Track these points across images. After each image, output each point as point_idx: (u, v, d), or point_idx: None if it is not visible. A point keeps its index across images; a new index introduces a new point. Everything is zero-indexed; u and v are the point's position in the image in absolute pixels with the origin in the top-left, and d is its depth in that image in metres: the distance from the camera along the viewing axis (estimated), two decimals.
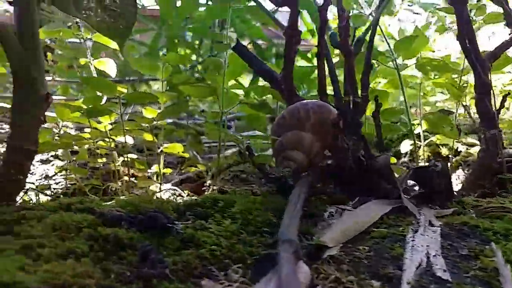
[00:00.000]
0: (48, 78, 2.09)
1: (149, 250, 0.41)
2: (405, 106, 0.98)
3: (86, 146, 0.94)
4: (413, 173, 0.68)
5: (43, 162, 1.19)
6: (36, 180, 1.05)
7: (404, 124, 1.09)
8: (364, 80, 0.74)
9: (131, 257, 0.42)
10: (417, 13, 1.98)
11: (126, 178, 1.07)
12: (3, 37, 0.46)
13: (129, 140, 1.07)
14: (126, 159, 1.03)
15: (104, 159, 1.01)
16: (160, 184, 0.92)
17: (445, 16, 1.35)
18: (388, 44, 0.96)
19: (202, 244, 0.47)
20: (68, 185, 1.01)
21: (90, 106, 0.83)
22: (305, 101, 0.68)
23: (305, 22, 2.14)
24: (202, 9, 1.69)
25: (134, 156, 1.05)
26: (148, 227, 0.46)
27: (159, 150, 0.87)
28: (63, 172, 1.03)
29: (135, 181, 1.10)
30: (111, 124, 1.00)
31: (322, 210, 0.60)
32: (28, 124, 0.56)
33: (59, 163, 1.17)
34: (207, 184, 0.96)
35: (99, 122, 0.91)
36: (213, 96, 0.96)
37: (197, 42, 1.77)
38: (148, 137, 0.93)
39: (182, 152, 0.94)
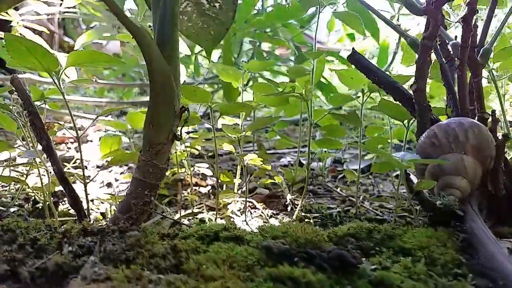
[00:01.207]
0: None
1: None
2: None
3: None
4: None
5: (99, 167, 1.13)
6: (99, 188, 1.00)
7: None
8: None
9: None
10: None
11: (196, 188, 1.02)
12: (147, 52, 0.41)
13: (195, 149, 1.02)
14: (194, 169, 0.98)
15: (176, 169, 0.95)
16: (243, 197, 0.87)
17: None
18: None
19: None
20: None
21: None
22: (456, 119, 0.61)
23: (345, 27, 2.09)
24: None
25: (205, 166, 1.00)
26: (333, 266, 0.40)
27: (245, 162, 0.82)
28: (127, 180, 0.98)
29: (201, 190, 1.05)
30: (187, 133, 0.94)
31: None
32: (163, 140, 0.51)
33: (118, 169, 1.12)
34: (288, 200, 0.91)
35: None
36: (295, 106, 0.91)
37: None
38: (231, 147, 0.88)
39: (262, 164, 0.89)
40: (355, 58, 0.68)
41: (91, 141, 1.42)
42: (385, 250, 0.49)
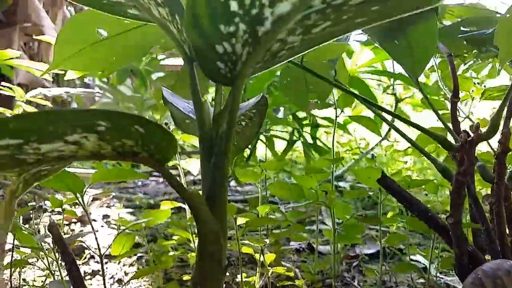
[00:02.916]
0: None
1: None
2: None
3: None
4: None
5: (106, 256, 1.10)
6: (110, 286, 0.96)
7: None
8: None
9: None
10: None
11: None
12: (198, 215, 0.40)
13: None
14: None
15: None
16: None
17: None
18: None
19: None
20: None
21: None
22: (501, 264, 0.60)
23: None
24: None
25: None
26: None
27: (269, 272, 0.80)
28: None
29: None
30: None
31: None
32: None
33: (127, 260, 1.09)
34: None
35: None
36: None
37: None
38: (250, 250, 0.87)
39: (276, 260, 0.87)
40: (386, 183, 0.69)
41: (95, 220, 1.39)
42: None
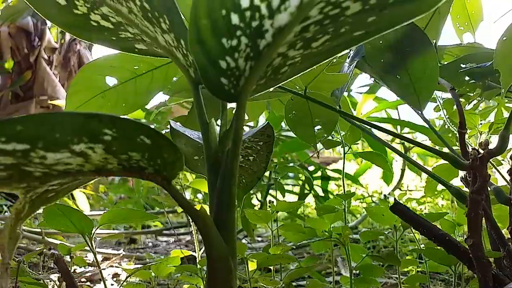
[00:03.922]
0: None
1: None
2: None
3: None
4: None
5: None
6: None
7: None
8: None
9: None
10: None
11: None
12: (206, 236, 0.39)
13: None
14: None
15: None
16: None
17: None
18: None
19: None
20: None
21: None
22: None
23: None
24: None
25: None
26: None
27: None
28: None
29: None
30: None
31: None
32: None
33: None
34: None
35: None
36: None
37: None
38: None
39: None
40: (399, 209, 0.67)
41: (106, 280, 1.35)
42: None
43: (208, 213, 0.39)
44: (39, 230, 1.41)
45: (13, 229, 0.34)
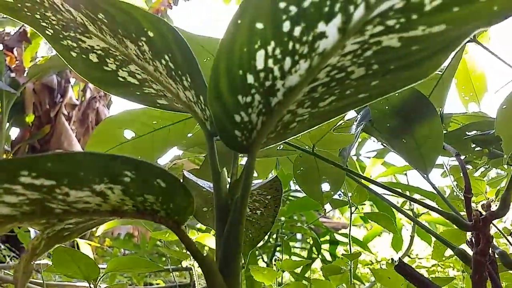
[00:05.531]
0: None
1: None
2: None
3: None
4: None
5: None
6: None
7: None
8: None
9: None
10: None
11: None
12: (211, 281, 0.40)
13: None
14: None
15: None
16: None
17: None
18: None
19: None
20: None
21: None
22: None
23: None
24: None
25: None
26: None
27: None
28: None
29: None
30: None
31: None
32: None
33: None
34: None
35: None
36: None
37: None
38: None
39: None
40: (403, 269, 0.67)
41: None
42: None
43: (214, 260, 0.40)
44: (41, 281, 1.40)
45: (27, 264, 0.36)
